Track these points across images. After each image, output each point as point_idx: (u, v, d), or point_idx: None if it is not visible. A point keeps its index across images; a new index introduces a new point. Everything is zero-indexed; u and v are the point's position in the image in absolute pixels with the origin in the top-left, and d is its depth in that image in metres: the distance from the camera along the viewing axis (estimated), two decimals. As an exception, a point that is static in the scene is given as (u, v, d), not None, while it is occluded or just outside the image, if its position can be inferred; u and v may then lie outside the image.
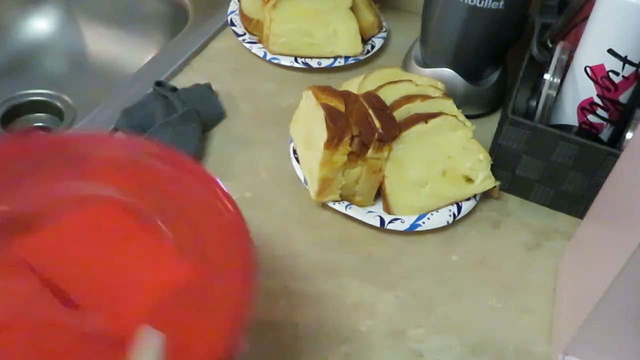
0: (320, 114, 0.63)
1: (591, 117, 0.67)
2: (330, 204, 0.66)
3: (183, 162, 0.45)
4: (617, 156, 0.55)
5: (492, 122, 0.77)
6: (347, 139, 0.62)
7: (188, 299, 0.37)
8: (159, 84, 0.75)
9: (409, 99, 0.68)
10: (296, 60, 0.83)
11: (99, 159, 0.44)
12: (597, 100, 0.66)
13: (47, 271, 0.37)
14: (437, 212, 0.66)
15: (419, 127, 0.65)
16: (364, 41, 0.85)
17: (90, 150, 0.45)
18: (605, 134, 0.69)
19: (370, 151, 0.63)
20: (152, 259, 0.39)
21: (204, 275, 0.38)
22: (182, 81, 0.79)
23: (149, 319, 0.35)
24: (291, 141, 0.71)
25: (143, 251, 0.39)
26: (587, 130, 0.68)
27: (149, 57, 0.86)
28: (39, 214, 0.40)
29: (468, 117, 0.70)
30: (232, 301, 0.37)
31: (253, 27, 0.86)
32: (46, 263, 0.37)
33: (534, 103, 0.68)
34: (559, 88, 0.67)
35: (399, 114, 0.67)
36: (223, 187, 0.43)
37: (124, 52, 1.01)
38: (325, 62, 0.83)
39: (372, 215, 0.65)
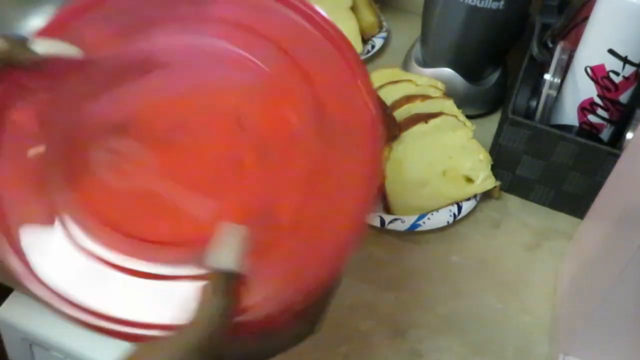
0: (321, 113, 0.63)
1: (591, 117, 0.67)
2: (331, 204, 0.65)
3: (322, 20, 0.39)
4: (617, 156, 0.55)
5: (492, 122, 0.77)
6: (347, 139, 0.62)
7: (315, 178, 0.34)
8: (159, 83, 0.75)
9: (409, 99, 0.68)
10: (296, 60, 0.82)
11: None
12: (598, 101, 0.66)
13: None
14: (438, 212, 0.66)
15: (419, 127, 0.65)
16: (364, 41, 0.85)
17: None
18: (605, 134, 0.69)
19: (370, 151, 0.63)
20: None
21: (328, 155, 0.35)
22: (182, 81, 0.79)
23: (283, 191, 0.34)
24: (291, 141, 0.71)
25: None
26: (587, 131, 0.68)
27: (149, 57, 0.86)
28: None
29: (468, 117, 0.70)
30: (359, 181, 0.34)
31: (253, 27, 0.86)
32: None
33: (534, 103, 0.68)
34: (559, 88, 0.67)
35: (399, 114, 0.67)
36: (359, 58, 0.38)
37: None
38: (325, 62, 0.83)
39: (372, 215, 0.65)
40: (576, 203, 0.67)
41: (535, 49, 0.72)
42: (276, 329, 0.34)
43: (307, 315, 0.36)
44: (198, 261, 0.31)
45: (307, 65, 0.37)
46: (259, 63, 0.37)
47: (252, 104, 0.37)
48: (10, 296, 0.55)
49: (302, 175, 0.34)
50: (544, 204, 0.70)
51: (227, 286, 0.30)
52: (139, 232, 0.34)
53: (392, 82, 0.71)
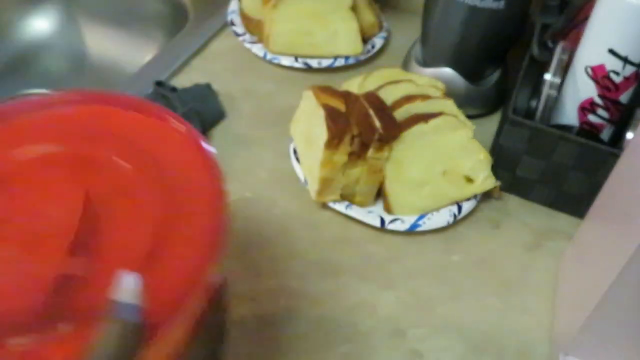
0: (321, 114, 0.63)
1: (592, 117, 0.67)
2: (331, 204, 0.66)
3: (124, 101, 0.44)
4: (617, 156, 0.55)
5: (492, 122, 0.77)
6: (347, 139, 0.62)
7: (159, 234, 0.37)
8: (159, 84, 0.75)
9: (409, 99, 0.68)
10: (296, 60, 0.83)
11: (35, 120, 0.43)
12: (598, 100, 0.66)
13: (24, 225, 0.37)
14: (438, 212, 0.66)
15: (420, 127, 0.65)
16: (365, 41, 0.85)
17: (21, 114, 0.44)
18: (605, 134, 0.69)
19: (370, 151, 0.63)
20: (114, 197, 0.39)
21: (170, 211, 0.38)
22: (182, 81, 0.79)
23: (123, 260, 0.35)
24: (291, 141, 0.71)
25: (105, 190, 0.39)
26: (587, 130, 0.68)
27: (149, 57, 0.86)
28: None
29: (468, 117, 0.70)
30: (203, 232, 0.37)
31: (253, 27, 0.86)
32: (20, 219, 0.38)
33: (534, 103, 0.68)
34: (560, 88, 0.67)
35: (399, 114, 0.67)
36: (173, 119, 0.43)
37: (124, 52, 1.01)
38: (325, 62, 0.83)
39: (372, 215, 0.65)
40: (576, 203, 0.67)
41: (535, 49, 0.72)
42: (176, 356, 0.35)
43: (201, 343, 0.38)
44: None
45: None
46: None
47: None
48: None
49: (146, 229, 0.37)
50: (544, 204, 0.70)
51: (126, 331, 0.31)
52: None
53: (392, 82, 0.71)
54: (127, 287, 0.32)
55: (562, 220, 0.69)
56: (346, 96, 0.67)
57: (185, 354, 0.36)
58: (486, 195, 0.69)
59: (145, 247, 0.36)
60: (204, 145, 0.42)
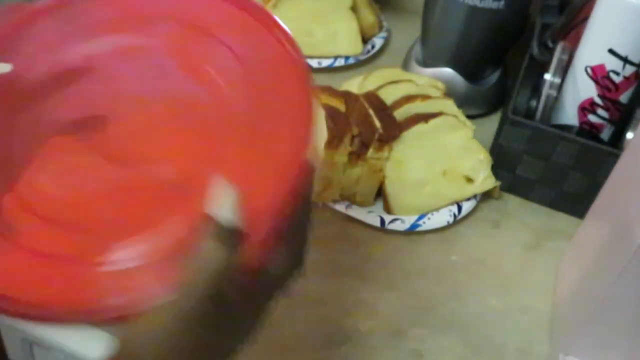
0: (321, 114, 0.63)
1: (592, 117, 0.67)
2: (331, 204, 0.66)
3: None
4: (617, 156, 0.55)
5: (492, 122, 0.77)
6: (347, 139, 0.62)
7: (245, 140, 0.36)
8: (159, 83, 0.75)
9: (409, 99, 0.68)
10: (296, 60, 0.82)
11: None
12: (598, 100, 0.66)
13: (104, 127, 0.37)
14: (438, 212, 0.66)
15: (419, 127, 0.65)
16: (365, 41, 0.85)
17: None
18: (605, 134, 0.69)
19: (370, 151, 0.63)
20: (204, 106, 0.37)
21: (259, 119, 0.37)
22: (182, 81, 0.79)
23: (211, 163, 0.35)
24: (291, 141, 0.71)
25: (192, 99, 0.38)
26: (587, 130, 0.68)
27: (149, 57, 0.86)
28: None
29: (468, 117, 0.70)
30: (292, 141, 0.36)
31: (253, 27, 0.86)
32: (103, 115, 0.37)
33: (534, 103, 0.68)
34: (560, 88, 0.67)
35: (399, 114, 0.67)
36: (278, 21, 0.40)
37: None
38: (325, 62, 0.83)
39: (372, 215, 0.65)
40: (576, 203, 0.67)
41: (535, 49, 0.72)
42: (267, 261, 0.34)
43: (290, 244, 0.36)
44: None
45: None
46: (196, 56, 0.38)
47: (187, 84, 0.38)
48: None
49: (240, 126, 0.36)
50: (544, 204, 0.70)
51: (226, 234, 0.30)
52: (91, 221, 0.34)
53: (392, 82, 0.71)
54: (224, 199, 0.31)
55: (562, 220, 0.69)
56: (346, 96, 0.67)
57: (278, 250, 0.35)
58: (486, 195, 0.69)
59: (237, 147, 0.35)
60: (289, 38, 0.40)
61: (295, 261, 0.37)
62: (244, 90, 0.37)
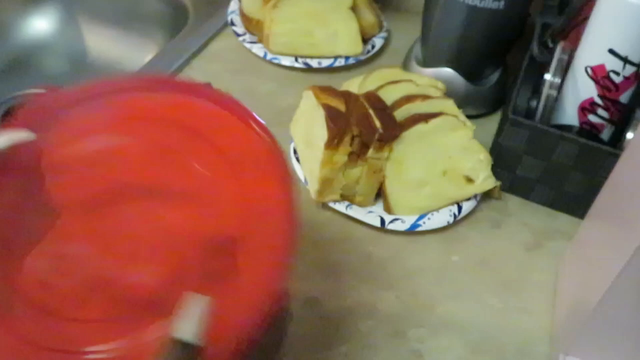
0: (321, 114, 0.63)
1: (592, 117, 0.67)
2: (331, 204, 0.66)
3: (211, 95, 0.44)
4: (617, 156, 0.55)
5: (492, 122, 0.77)
6: (347, 139, 0.62)
7: (227, 250, 0.37)
8: (159, 83, 0.75)
9: (409, 99, 0.68)
10: (296, 60, 0.83)
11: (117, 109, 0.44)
12: (598, 100, 0.66)
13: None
14: (438, 212, 0.66)
15: (420, 127, 0.65)
16: (365, 41, 0.85)
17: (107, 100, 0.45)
18: (605, 134, 0.69)
19: (370, 151, 0.63)
20: (191, 209, 0.39)
21: (244, 226, 0.38)
22: (182, 81, 0.79)
23: (189, 276, 0.36)
24: (291, 141, 0.71)
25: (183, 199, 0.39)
26: (587, 131, 0.68)
27: (149, 57, 0.86)
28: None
29: (468, 117, 0.70)
30: (274, 249, 0.37)
31: (253, 27, 0.86)
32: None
33: (534, 103, 0.68)
34: (560, 88, 0.67)
35: (400, 114, 0.67)
36: (256, 116, 0.42)
37: (124, 52, 1.01)
38: (325, 62, 0.83)
39: (372, 215, 0.65)
40: (576, 203, 0.67)
41: (535, 49, 0.72)
42: None
43: (258, 357, 0.37)
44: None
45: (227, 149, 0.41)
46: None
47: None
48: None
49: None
50: (544, 204, 0.70)
51: (187, 357, 0.31)
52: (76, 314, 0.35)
53: (392, 82, 0.71)
54: (193, 311, 0.31)
55: (562, 220, 0.69)
56: (346, 96, 0.67)
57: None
58: (486, 195, 0.69)
59: (221, 260, 0.36)
60: (279, 150, 0.42)
61: None
62: (235, 200, 0.39)
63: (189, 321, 0.31)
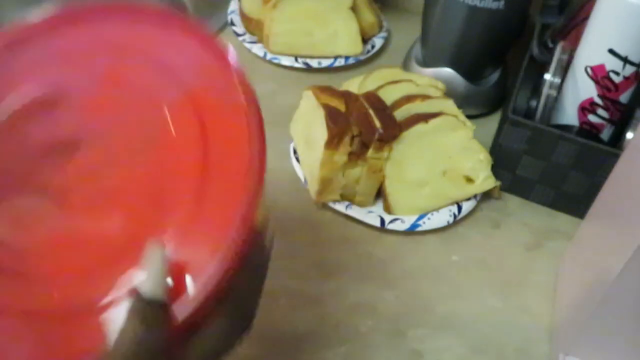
0: (321, 114, 0.63)
1: (592, 117, 0.67)
2: (331, 204, 0.66)
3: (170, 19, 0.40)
4: (617, 156, 0.55)
5: (492, 122, 0.77)
6: (347, 139, 0.62)
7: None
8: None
9: (409, 99, 0.68)
10: (296, 60, 0.83)
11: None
12: (598, 100, 0.66)
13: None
14: (438, 212, 0.66)
15: (420, 127, 0.65)
16: (365, 41, 0.85)
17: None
18: (605, 134, 0.69)
19: (370, 151, 0.63)
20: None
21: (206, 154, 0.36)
22: (182, 81, 0.79)
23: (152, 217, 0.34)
24: (291, 141, 0.71)
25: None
26: (587, 130, 0.68)
27: (149, 57, 0.86)
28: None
29: (468, 117, 0.70)
30: (239, 205, 0.34)
31: (253, 27, 0.86)
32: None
33: (534, 103, 0.68)
34: (560, 88, 0.67)
35: (399, 114, 0.67)
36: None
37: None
38: (325, 62, 0.83)
39: (372, 215, 0.65)
40: (576, 203, 0.67)
41: (535, 49, 0.72)
42: (205, 322, 0.33)
43: (234, 303, 0.35)
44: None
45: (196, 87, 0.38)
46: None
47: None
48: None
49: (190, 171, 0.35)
50: (544, 204, 0.70)
51: (148, 312, 0.30)
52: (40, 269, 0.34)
53: (392, 82, 0.71)
54: (153, 266, 0.30)
55: (562, 220, 0.69)
56: (346, 96, 0.67)
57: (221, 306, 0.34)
58: (486, 195, 0.69)
59: (184, 206, 0.34)
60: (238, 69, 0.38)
61: (241, 325, 0.37)
62: (195, 138, 0.36)
63: (149, 275, 0.30)
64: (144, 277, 0.30)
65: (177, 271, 0.32)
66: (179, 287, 0.31)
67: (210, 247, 0.33)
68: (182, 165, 0.36)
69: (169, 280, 0.31)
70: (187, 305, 0.31)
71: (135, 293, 0.30)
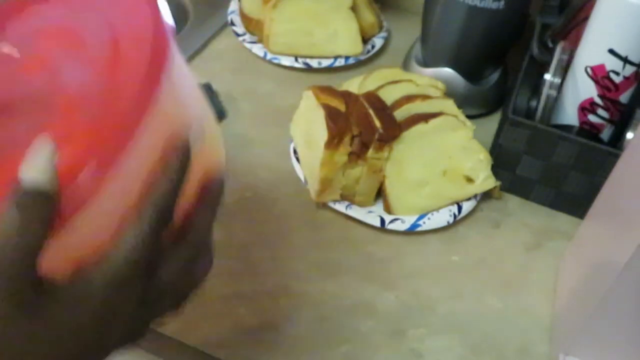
0: (321, 114, 0.63)
1: (592, 117, 0.67)
2: (331, 204, 0.66)
3: None
4: (617, 156, 0.55)
5: (492, 122, 0.77)
6: (347, 139, 0.62)
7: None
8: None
9: (409, 99, 0.68)
10: (296, 60, 0.83)
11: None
12: (598, 100, 0.66)
13: None
14: (438, 212, 0.66)
15: (420, 127, 0.65)
16: (365, 41, 0.85)
17: None
18: (605, 134, 0.69)
19: (370, 151, 0.63)
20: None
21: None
22: (182, 81, 0.79)
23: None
24: (291, 141, 0.71)
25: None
26: (587, 131, 0.68)
27: (149, 57, 0.86)
28: None
29: (468, 117, 0.70)
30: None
31: (253, 27, 0.86)
32: None
33: (534, 103, 0.68)
34: (560, 88, 0.67)
35: (399, 114, 0.67)
36: None
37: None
38: (325, 62, 0.83)
39: (372, 215, 0.65)
40: (576, 203, 0.67)
41: (535, 49, 0.72)
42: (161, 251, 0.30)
43: (176, 236, 0.32)
44: None
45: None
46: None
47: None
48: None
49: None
50: (544, 204, 0.70)
51: (29, 202, 0.26)
52: None
53: (392, 82, 0.71)
54: (39, 160, 0.27)
55: (562, 220, 0.69)
56: (346, 96, 0.67)
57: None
58: (486, 195, 0.69)
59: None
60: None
61: (184, 248, 0.33)
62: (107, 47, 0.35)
63: (33, 164, 0.27)
64: (27, 166, 0.27)
65: (70, 165, 0.28)
66: (70, 180, 0.28)
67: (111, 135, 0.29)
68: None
69: (55, 172, 0.27)
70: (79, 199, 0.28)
71: (16, 182, 0.27)
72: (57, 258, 0.28)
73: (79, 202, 0.28)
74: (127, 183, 0.30)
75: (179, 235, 0.33)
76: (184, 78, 0.37)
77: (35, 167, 0.27)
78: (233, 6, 0.90)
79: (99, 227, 0.30)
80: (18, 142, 0.32)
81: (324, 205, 0.66)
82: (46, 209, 0.27)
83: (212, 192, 0.35)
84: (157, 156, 0.31)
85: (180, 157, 0.32)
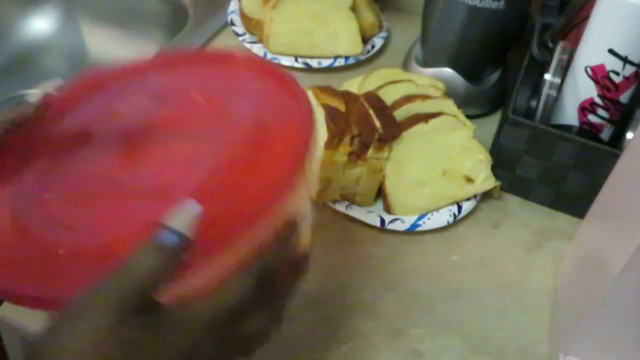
0: (321, 114, 0.63)
1: (592, 117, 0.67)
2: (331, 204, 0.66)
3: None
4: (617, 156, 0.55)
5: (492, 122, 0.77)
6: (347, 139, 0.62)
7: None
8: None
9: (409, 99, 0.68)
10: (296, 60, 0.83)
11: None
12: (598, 100, 0.66)
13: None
14: (438, 212, 0.66)
15: (420, 127, 0.65)
16: (365, 41, 0.85)
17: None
18: (605, 134, 0.69)
19: (370, 151, 0.63)
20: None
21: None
22: (182, 81, 0.79)
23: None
24: (291, 141, 0.71)
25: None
26: (587, 130, 0.68)
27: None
28: None
29: (468, 117, 0.70)
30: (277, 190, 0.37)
31: (253, 27, 0.86)
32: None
33: (534, 103, 0.68)
34: (560, 88, 0.67)
35: (399, 114, 0.67)
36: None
37: (124, 52, 1.01)
38: (325, 62, 0.83)
39: (372, 215, 0.65)
40: (576, 203, 0.67)
41: (535, 49, 0.72)
42: (225, 287, 0.33)
43: (267, 298, 0.36)
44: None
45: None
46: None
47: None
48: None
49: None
50: (544, 204, 0.70)
51: (168, 246, 0.31)
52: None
53: (392, 82, 0.71)
54: (183, 214, 0.31)
55: (562, 220, 0.69)
56: (346, 96, 0.67)
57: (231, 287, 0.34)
58: (486, 195, 0.69)
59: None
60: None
61: (273, 320, 0.38)
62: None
63: (180, 214, 0.31)
64: (170, 217, 0.31)
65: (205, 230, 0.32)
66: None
67: (245, 215, 0.35)
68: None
69: (195, 229, 0.31)
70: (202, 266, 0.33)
71: (159, 225, 0.31)
72: (172, 292, 0.32)
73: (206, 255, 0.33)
74: (248, 244, 0.35)
75: (267, 297, 0.37)
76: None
77: (177, 219, 0.31)
78: (233, 6, 0.90)
79: (213, 275, 0.34)
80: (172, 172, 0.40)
81: (324, 205, 0.66)
82: (177, 256, 0.31)
83: (299, 267, 0.39)
84: (279, 224, 0.36)
85: (291, 230, 0.37)
